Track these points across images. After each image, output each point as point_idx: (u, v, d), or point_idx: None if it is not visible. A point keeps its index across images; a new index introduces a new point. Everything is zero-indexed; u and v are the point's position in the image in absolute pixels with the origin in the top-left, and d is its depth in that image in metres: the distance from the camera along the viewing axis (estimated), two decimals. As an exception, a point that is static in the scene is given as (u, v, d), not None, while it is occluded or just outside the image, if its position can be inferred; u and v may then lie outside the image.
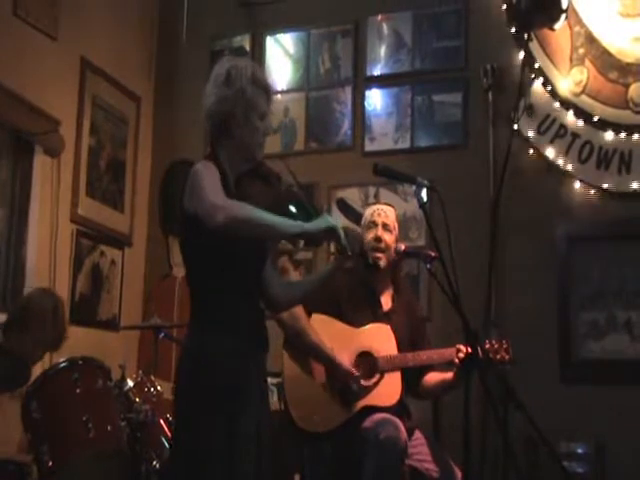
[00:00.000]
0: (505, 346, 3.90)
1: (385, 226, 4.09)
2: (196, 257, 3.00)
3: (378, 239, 4.06)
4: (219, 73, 3.05)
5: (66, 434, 4.07)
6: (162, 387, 4.52)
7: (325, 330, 3.97)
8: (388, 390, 3.94)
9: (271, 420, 3.07)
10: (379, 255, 4.06)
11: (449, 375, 3.92)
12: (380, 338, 4.01)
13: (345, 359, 3.91)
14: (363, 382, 3.92)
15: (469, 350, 3.71)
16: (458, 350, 3.79)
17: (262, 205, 2.92)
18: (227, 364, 2.89)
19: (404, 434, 3.75)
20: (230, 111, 2.99)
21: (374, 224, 4.10)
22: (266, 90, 3.09)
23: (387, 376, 3.95)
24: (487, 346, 3.88)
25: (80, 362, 4.29)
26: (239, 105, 3.00)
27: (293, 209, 3.04)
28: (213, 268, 2.95)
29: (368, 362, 3.96)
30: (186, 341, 3.06)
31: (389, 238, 4.07)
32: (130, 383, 4.48)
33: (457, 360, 3.79)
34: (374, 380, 3.95)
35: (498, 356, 3.87)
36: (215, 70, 3.09)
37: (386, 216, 4.12)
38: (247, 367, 2.94)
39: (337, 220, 2.92)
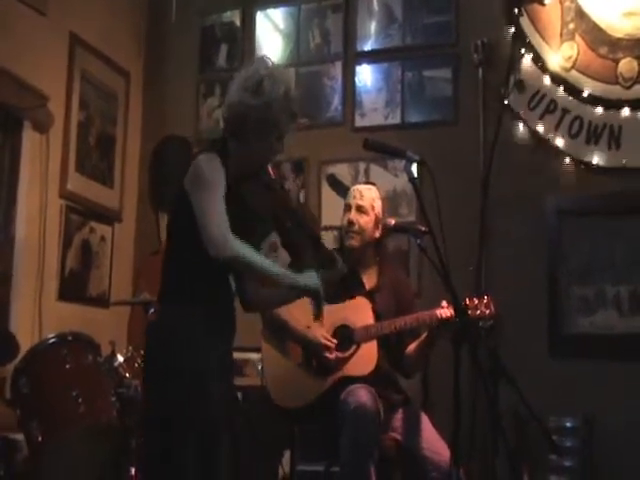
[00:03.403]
0: (485, 301, 3.86)
1: (359, 208, 4.10)
2: (185, 234, 2.99)
3: (350, 222, 4.10)
4: (251, 76, 3.01)
5: (56, 409, 4.08)
6: (152, 362, 4.52)
7: (302, 310, 3.99)
8: (364, 359, 3.95)
9: (235, 395, 3.11)
10: (352, 236, 4.09)
11: (424, 335, 3.95)
12: (356, 310, 4.03)
13: (321, 334, 3.95)
14: (339, 354, 3.94)
15: (451, 313, 3.75)
16: (440, 315, 3.82)
17: (257, 211, 2.97)
18: (195, 347, 2.91)
19: (374, 402, 3.76)
20: (250, 119, 2.97)
21: (348, 207, 4.14)
22: (292, 114, 3.05)
23: (363, 346, 3.97)
24: (467, 302, 3.83)
25: (69, 338, 4.30)
26: (260, 118, 2.97)
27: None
28: (197, 247, 2.92)
29: (345, 334, 3.97)
30: (156, 321, 3.08)
31: (363, 220, 4.09)
32: (120, 358, 4.49)
33: (440, 316, 3.81)
34: (350, 351, 3.97)
35: (478, 312, 3.82)
36: (249, 70, 3.06)
37: (361, 197, 4.13)
38: (215, 352, 2.98)
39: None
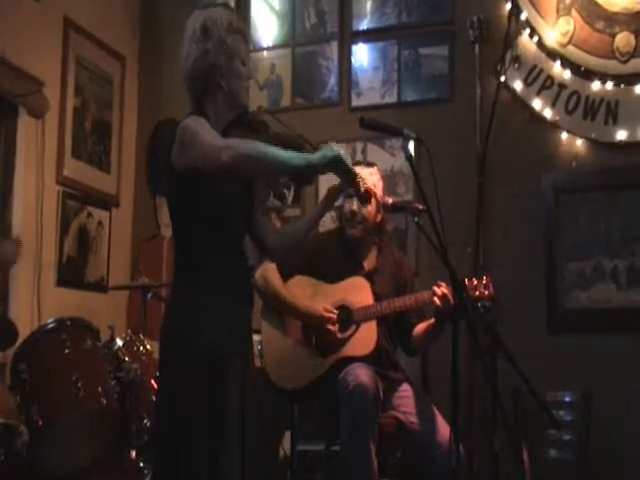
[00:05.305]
0: (485, 282, 3.84)
1: None
2: (183, 213, 3.02)
3: (353, 213, 4.06)
4: (194, 28, 3.04)
5: (55, 394, 4.10)
6: (151, 346, 4.53)
7: (302, 289, 4.00)
8: (363, 340, 3.95)
9: (255, 375, 3.08)
10: (354, 226, 4.08)
11: (432, 320, 3.92)
12: (355, 290, 4.02)
13: (322, 307, 3.95)
14: (339, 335, 3.93)
15: (444, 291, 3.73)
16: (434, 293, 3.79)
17: None
18: (212, 320, 2.90)
19: (373, 381, 3.76)
20: (213, 63, 3.00)
21: (350, 196, 4.04)
22: (243, 35, 3.12)
23: (363, 326, 3.96)
24: (466, 283, 3.81)
25: (68, 323, 4.32)
26: (221, 55, 3.00)
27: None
28: (199, 224, 2.96)
29: (344, 315, 3.96)
30: (171, 299, 3.07)
31: (366, 211, 4.05)
32: (119, 342, 4.50)
33: (437, 300, 3.78)
34: (350, 332, 3.96)
35: (477, 292, 3.81)
36: (190, 25, 3.08)
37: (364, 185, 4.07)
38: (232, 322, 2.96)
39: (341, 150, 2.89)
